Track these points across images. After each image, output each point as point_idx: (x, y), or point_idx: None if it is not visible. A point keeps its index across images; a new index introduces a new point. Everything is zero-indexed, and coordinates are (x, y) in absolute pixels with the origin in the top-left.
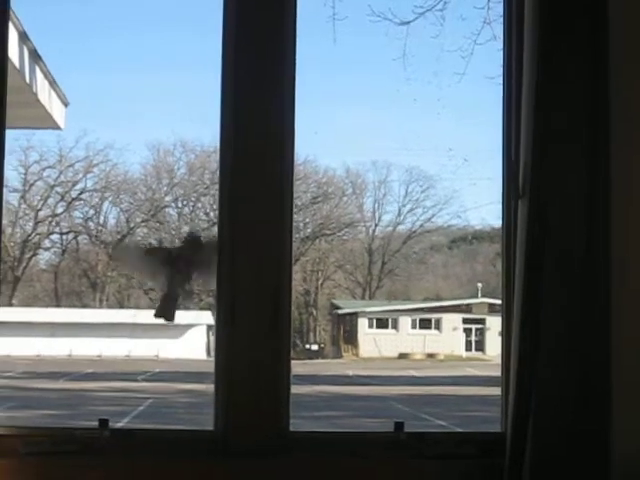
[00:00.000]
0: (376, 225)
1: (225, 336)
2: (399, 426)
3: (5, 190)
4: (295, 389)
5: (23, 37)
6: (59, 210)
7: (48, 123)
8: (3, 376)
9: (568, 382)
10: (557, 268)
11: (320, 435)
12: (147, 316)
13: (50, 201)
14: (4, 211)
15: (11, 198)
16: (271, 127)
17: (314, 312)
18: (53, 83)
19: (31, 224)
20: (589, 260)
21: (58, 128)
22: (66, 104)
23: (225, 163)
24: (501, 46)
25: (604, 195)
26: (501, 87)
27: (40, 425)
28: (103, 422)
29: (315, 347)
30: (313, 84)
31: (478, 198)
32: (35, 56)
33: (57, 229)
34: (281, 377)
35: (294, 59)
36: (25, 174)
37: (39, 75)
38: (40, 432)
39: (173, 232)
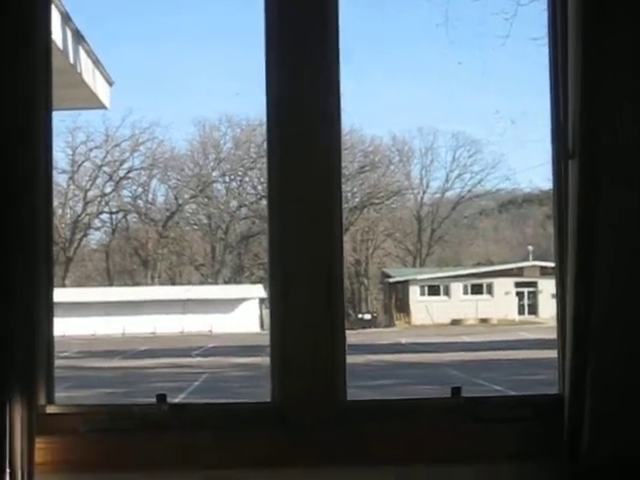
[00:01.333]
0: (424, 192)
1: (279, 309)
2: (456, 391)
3: (54, 172)
4: (349, 359)
5: (65, 18)
6: (108, 190)
7: (93, 103)
8: (59, 356)
9: (624, 340)
10: (610, 228)
11: (377, 403)
12: (199, 292)
13: (98, 181)
14: (54, 192)
15: (60, 179)
16: (317, 98)
17: (365, 281)
18: (97, 63)
19: (80, 205)
20: None
21: (104, 107)
22: (111, 83)
23: (273, 136)
24: (545, 6)
25: None
26: (546, 48)
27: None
28: (161, 397)
29: (368, 316)
30: (358, 53)
31: (526, 161)
32: (78, 37)
33: (106, 208)
34: (336, 348)
35: (337, 29)
36: (73, 155)
37: (83, 55)
38: (99, 409)
39: (221, 207)
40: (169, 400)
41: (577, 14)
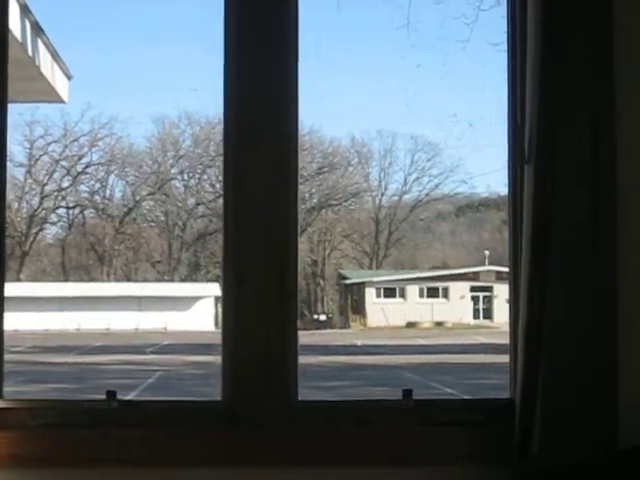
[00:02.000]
0: (382, 194)
1: (232, 307)
2: (407, 393)
3: (10, 165)
4: (303, 359)
5: (25, 10)
6: (65, 184)
7: (52, 97)
8: (12, 351)
9: (575, 345)
10: (563, 234)
11: (328, 404)
12: (155, 289)
13: (56, 175)
14: (9, 186)
15: (17, 173)
16: (275, 97)
17: (321, 282)
18: (56, 56)
19: (37, 199)
20: (595, 226)
21: (62, 102)
22: (69, 77)
23: (229, 135)
24: (505, 12)
25: (610, 161)
26: (505, 54)
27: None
28: (111, 394)
29: (323, 317)
30: (317, 54)
31: (484, 165)
32: (37, 29)
33: (63, 203)
34: (288, 347)
35: (297, 28)
36: (30, 149)
37: (42, 48)
38: (48, 404)
39: (179, 204)
40: (121, 397)
41: (536, 19)
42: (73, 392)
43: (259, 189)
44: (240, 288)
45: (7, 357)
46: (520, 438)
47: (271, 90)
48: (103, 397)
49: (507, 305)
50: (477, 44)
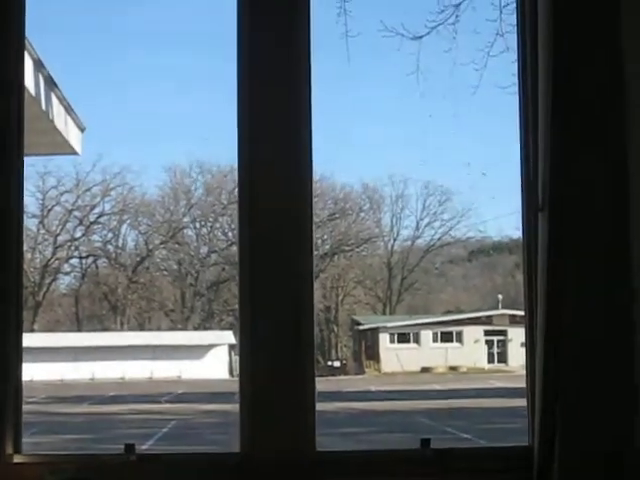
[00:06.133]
0: (394, 240)
1: (248, 355)
2: (425, 443)
3: (24, 216)
4: (319, 406)
5: (38, 65)
6: (78, 234)
7: (65, 149)
8: (27, 401)
9: (593, 394)
10: (579, 278)
11: (346, 454)
12: (168, 337)
13: (69, 225)
14: (23, 237)
15: (30, 224)
16: (288, 146)
17: (335, 328)
18: (69, 109)
19: (50, 249)
20: (611, 270)
21: (75, 153)
22: (82, 129)
23: (243, 183)
24: (515, 57)
25: (624, 207)
26: (516, 97)
27: (65, 451)
28: (129, 447)
29: (337, 363)
30: (328, 102)
31: (496, 210)
32: (50, 83)
33: (76, 253)
34: (305, 396)
35: (309, 78)
36: (43, 199)
37: (55, 102)
38: (66, 459)
39: (192, 253)
40: (137, 447)
41: (546, 66)
42: (88, 443)
43: (273, 237)
44: (256, 337)
45: (23, 408)
46: None
47: (284, 139)
48: (121, 448)
49: (522, 349)
50: (487, 90)
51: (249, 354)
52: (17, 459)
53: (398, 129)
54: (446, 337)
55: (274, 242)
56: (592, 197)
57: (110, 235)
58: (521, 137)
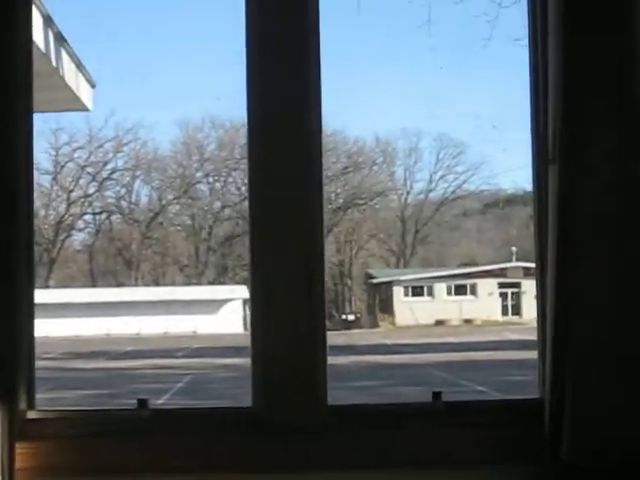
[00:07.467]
0: (408, 193)
1: (260, 310)
2: (437, 395)
3: (36, 173)
4: (333, 360)
5: (48, 21)
6: (91, 190)
7: (76, 105)
8: (42, 357)
9: (605, 343)
10: (591, 229)
11: (358, 408)
12: (183, 292)
13: (82, 182)
14: (36, 194)
15: (43, 180)
16: (297, 99)
17: (349, 282)
18: (79, 65)
19: (64, 205)
20: (622, 220)
21: (86, 110)
22: (93, 85)
23: (253, 137)
24: (525, 9)
25: (636, 155)
26: (527, 49)
27: (80, 407)
28: (142, 402)
29: (351, 317)
30: (339, 55)
31: (509, 162)
32: (60, 39)
33: (90, 209)
34: (317, 350)
35: (318, 30)
36: (56, 156)
37: (65, 58)
38: (79, 415)
39: (205, 208)
40: (152, 401)
41: (558, 15)
42: (105, 397)
43: (283, 191)
44: (267, 292)
45: (38, 364)
46: (550, 439)
47: (294, 92)
48: (134, 405)
49: (535, 301)
50: (499, 42)
51: (260, 308)
52: (30, 415)
53: (410, 81)
54: (460, 290)
55: (285, 196)
56: (604, 148)
57: (123, 191)
58: (531, 89)
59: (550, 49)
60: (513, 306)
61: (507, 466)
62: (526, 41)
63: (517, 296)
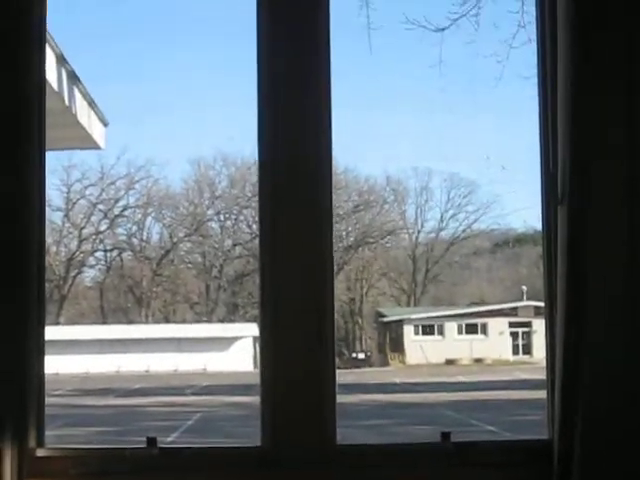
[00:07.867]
0: (419, 232)
1: (269, 348)
2: (446, 436)
3: (48, 209)
4: (343, 398)
5: (61, 60)
6: (102, 227)
7: (88, 143)
8: (52, 394)
9: (614, 386)
10: (600, 271)
11: (367, 447)
12: (193, 330)
13: (93, 219)
14: (48, 230)
15: (55, 217)
16: (309, 138)
17: (359, 320)
18: (92, 104)
19: (75, 242)
20: (631, 260)
21: (98, 148)
22: (106, 124)
23: (264, 176)
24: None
25: None
26: (536, 88)
27: (89, 445)
28: (151, 440)
29: (362, 355)
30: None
31: (519, 202)
32: (73, 78)
33: (101, 246)
34: (327, 388)
35: (329, 71)
36: (68, 193)
37: (78, 96)
38: (89, 453)
39: (216, 245)
40: (161, 439)
41: (567, 56)
42: (113, 435)
43: (294, 229)
44: (277, 329)
45: (48, 400)
46: (559, 479)
47: (305, 131)
48: (144, 441)
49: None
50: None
51: (269, 346)
52: (40, 453)
53: (421, 121)
54: (471, 329)
55: (295, 235)
56: (611, 190)
57: (135, 228)
58: (541, 129)
59: (559, 88)
60: (524, 345)
61: None
62: (535, 80)
63: (528, 335)
